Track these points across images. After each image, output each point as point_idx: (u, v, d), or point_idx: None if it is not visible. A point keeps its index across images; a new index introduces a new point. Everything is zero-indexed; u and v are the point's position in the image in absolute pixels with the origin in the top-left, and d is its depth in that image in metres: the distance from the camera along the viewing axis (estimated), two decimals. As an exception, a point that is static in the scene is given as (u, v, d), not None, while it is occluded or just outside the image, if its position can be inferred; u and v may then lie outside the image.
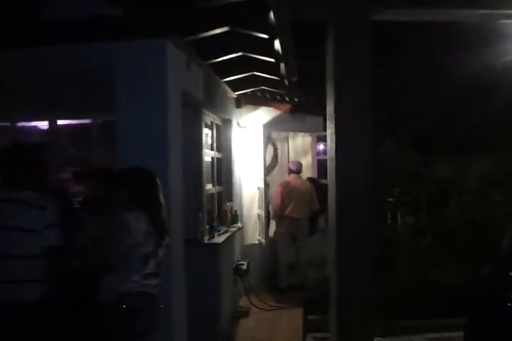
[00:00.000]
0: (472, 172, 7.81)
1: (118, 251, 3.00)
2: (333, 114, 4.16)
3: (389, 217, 8.50)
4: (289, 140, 8.96)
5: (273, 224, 7.43)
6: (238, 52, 4.42)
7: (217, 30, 3.71)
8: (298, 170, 7.20)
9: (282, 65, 4.43)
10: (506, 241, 3.68)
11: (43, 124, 4.75)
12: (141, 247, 3.02)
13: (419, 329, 5.39)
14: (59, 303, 3.09)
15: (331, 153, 4.33)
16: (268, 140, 7.55)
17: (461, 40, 8.26)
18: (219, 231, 5.44)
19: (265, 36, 3.72)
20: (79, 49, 3.69)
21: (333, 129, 4.18)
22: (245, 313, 6.07)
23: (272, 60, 4.28)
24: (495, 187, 6.99)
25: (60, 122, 4.67)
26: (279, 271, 7.10)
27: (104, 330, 3.05)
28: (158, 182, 3.19)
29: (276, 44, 3.77)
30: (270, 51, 3.95)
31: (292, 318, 5.92)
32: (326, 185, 4.66)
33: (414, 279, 5.60)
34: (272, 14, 3.11)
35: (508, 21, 4.19)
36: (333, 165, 4.24)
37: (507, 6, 3.88)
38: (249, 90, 6.23)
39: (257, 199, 7.17)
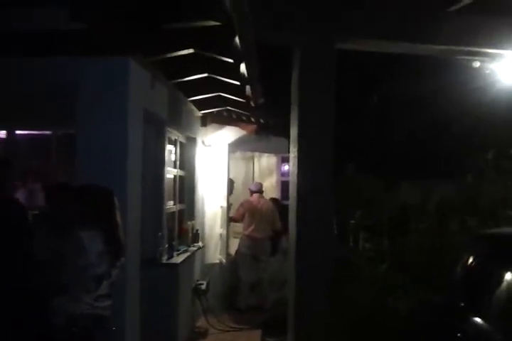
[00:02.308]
0: (432, 199, 7.97)
1: (70, 271, 2.95)
2: (296, 138, 4.24)
3: (351, 239, 8.56)
4: (255, 160, 9.00)
5: (234, 243, 7.40)
6: (203, 73, 4.44)
7: (183, 52, 3.73)
8: (258, 190, 7.24)
9: (248, 88, 4.48)
10: (459, 271, 3.76)
11: (1, 133, 4.66)
12: (94, 268, 2.98)
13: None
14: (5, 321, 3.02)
15: (293, 177, 4.39)
16: None
17: (425, 70, 8.52)
18: (179, 250, 5.38)
19: (230, 60, 3.76)
20: (42, 62, 3.66)
21: (296, 153, 4.25)
22: (203, 334, 5.99)
23: (238, 82, 4.31)
24: (453, 214, 7.13)
25: (19, 132, 4.58)
26: (239, 291, 7.06)
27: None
28: (116, 202, 3.16)
29: (242, 67, 3.81)
30: (236, 74, 3.98)
31: (250, 340, 5.87)
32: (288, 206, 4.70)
33: (371, 304, 5.64)
34: (237, 39, 3.14)
35: (467, 57, 4.39)
36: (295, 188, 4.30)
37: (467, 43, 4.07)
38: (215, 110, 6.25)
39: (219, 218, 7.14)
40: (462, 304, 3.49)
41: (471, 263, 3.68)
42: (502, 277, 3.22)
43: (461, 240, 6.01)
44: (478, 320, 3.15)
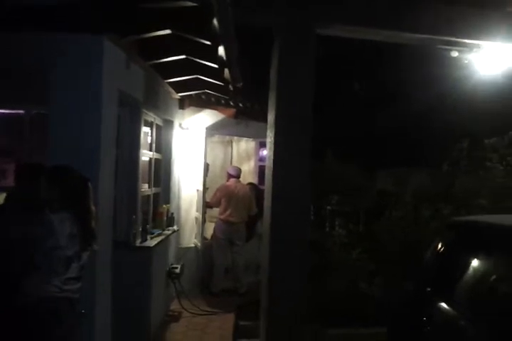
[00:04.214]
0: (408, 187, 8.08)
1: (39, 252, 2.92)
2: (274, 124, 4.23)
3: (327, 225, 8.64)
4: (233, 144, 8.98)
5: (210, 227, 7.41)
6: (181, 55, 4.36)
7: (159, 33, 3.66)
8: (237, 175, 7.23)
9: (226, 71, 4.43)
10: (428, 257, 3.83)
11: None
12: (63, 250, 2.95)
13: (347, 338, 5.50)
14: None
15: (269, 162, 4.40)
16: None
17: (405, 60, 8.56)
18: (153, 233, 5.35)
19: (208, 42, 3.70)
20: (15, 38, 3.54)
21: (273, 138, 4.25)
22: (176, 317, 6.01)
23: (216, 65, 4.26)
24: (427, 202, 7.25)
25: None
26: (213, 275, 7.08)
27: (21, 335, 2.94)
28: (91, 188, 3.11)
29: (220, 50, 3.76)
30: (214, 57, 3.93)
31: (223, 323, 5.90)
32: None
33: (344, 289, 5.72)
34: (215, 21, 3.09)
35: (445, 47, 4.43)
36: (271, 173, 4.31)
37: (445, 33, 4.10)
38: (193, 92, 6.18)
39: (195, 202, 7.12)
40: (429, 289, 3.57)
41: (440, 249, 3.76)
42: (468, 263, 3.31)
43: (434, 228, 6.13)
44: (443, 305, 3.22)
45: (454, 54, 4.65)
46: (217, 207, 7.17)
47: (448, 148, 8.21)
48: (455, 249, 3.61)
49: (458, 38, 4.18)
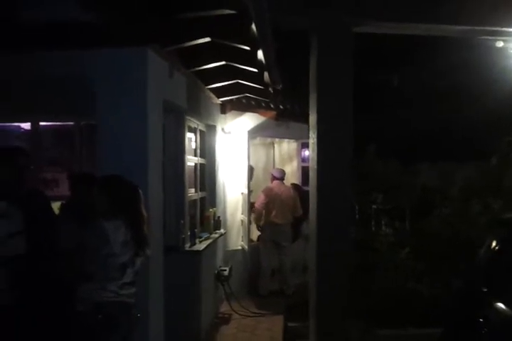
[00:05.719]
0: (455, 182, 7.88)
1: (95, 260, 3.01)
2: (315, 125, 4.23)
3: (373, 223, 8.51)
4: (275, 145, 9.00)
5: (256, 229, 7.45)
6: (221, 61, 4.42)
7: (199, 41, 3.73)
8: (281, 177, 7.24)
9: (266, 74, 4.46)
10: (482, 255, 3.72)
11: (26, 125, 4.76)
12: (118, 257, 3.03)
13: (395, 339, 5.41)
14: (32, 310, 3.10)
15: (312, 163, 4.40)
16: None
17: (448, 51, 8.36)
18: (201, 237, 5.43)
19: (247, 48, 3.74)
20: (62, 54, 3.68)
21: (315, 139, 4.25)
22: (226, 319, 6.07)
23: (255, 69, 4.29)
24: (476, 197, 7.05)
25: (43, 123, 4.67)
26: (260, 277, 7.11)
27: (79, 339, 3.05)
28: (141, 195, 3.19)
29: (259, 54, 3.80)
30: (253, 61, 3.97)
31: (272, 325, 5.92)
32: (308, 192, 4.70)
33: (393, 289, 5.63)
34: (253, 27, 3.12)
35: (489, 37, 4.30)
36: (315, 174, 4.31)
37: (488, 23, 3.98)
38: (234, 97, 6.24)
39: (240, 205, 7.18)
40: (485, 289, 3.47)
41: (494, 247, 3.64)
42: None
43: (484, 224, 5.95)
44: (501, 305, 3.13)
45: (499, 44, 4.52)
46: (266, 216, 7.12)
47: (496, 141, 7.97)
48: (510, 246, 3.49)
49: (503, 27, 4.04)
